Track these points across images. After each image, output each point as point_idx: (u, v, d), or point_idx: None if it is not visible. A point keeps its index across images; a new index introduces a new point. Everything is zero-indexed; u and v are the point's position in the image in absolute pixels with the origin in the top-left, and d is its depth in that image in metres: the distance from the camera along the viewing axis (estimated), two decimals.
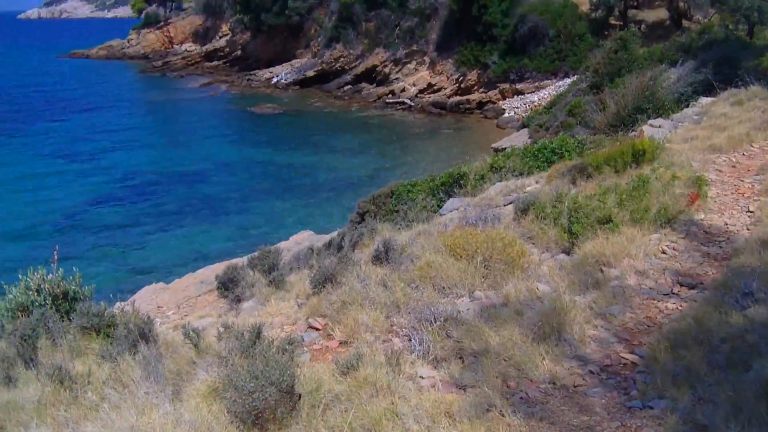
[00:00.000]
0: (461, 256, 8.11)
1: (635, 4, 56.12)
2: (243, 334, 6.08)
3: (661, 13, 54.11)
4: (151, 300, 15.24)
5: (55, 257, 8.96)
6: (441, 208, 13.75)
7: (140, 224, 31.57)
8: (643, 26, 50.66)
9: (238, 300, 11.24)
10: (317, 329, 7.20)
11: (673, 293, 6.98)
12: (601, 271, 7.54)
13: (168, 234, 30.20)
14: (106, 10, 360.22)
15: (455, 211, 12.34)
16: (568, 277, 7.48)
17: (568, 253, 8.41)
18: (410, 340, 6.41)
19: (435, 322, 6.64)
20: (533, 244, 9.02)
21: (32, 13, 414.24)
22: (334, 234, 15.56)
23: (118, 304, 10.61)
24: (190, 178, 39.36)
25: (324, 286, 8.16)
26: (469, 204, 12.50)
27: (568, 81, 48.36)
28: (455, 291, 7.56)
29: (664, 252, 8.03)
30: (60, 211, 33.56)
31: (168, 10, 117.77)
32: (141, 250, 28.27)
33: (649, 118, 18.45)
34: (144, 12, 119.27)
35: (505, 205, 11.56)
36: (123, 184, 38.55)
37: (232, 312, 10.85)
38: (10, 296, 8.24)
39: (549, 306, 6.45)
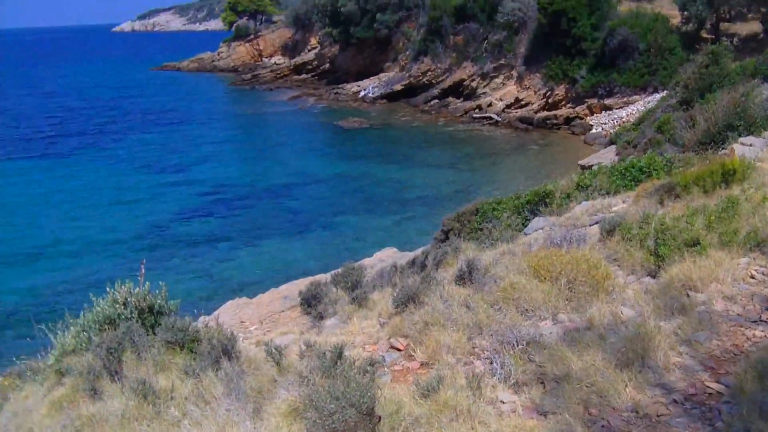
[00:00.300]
0: (545, 278, 8.05)
1: (727, 17, 54.93)
2: (325, 353, 6.15)
3: (754, 27, 52.81)
4: (235, 314, 15.45)
5: (142, 271, 9.15)
6: (526, 226, 13.65)
7: (226, 238, 32.08)
8: (735, 40, 49.61)
9: (321, 317, 11.34)
10: (399, 350, 7.24)
11: (762, 320, 6.80)
12: (688, 295, 7.40)
13: (253, 248, 30.61)
14: (197, 24, 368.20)
15: (540, 231, 12.25)
16: (654, 302, 7.36)
17: (653, 276, 8.28)
18: (492, 363, 6.40)
19: (517, 345, 6.62)
20: (618, 266, 8.89)
21: (126, 26, 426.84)
22: (418, 252, 15.58)
23: (202, 318, 10.83)
24: (277, 192, 39.86)
25: (406, 306, 8.18)
26: (554, 223, 12.40)
27: (657, 96, 47.49)
28: (538, 313, 7.51)
29: (753, 277, 7.82)
30: (148, 224, 34.38)
31: (258, 24, 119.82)
32: (226, 264, 28.71)
33: (740, 135, 18.00)
34: (234, 25, 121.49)
35: (590, 225, 11.42)
36: (211, 197, 39.27)
37: (315, 329, 10.94)
38: (98, 309, 8.42)
39: (633, 331, 6.37)
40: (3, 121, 67.80)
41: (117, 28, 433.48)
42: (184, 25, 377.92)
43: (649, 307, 7.22)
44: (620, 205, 12.57)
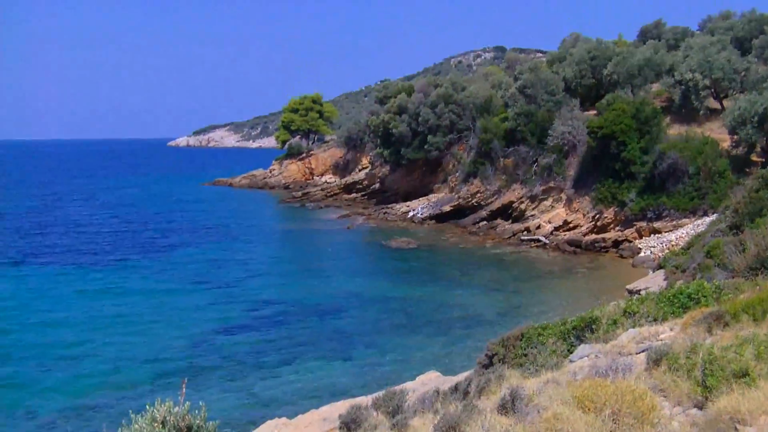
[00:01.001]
0: (589, 409, 7.89)
1: None
2: None
3: None
4: None
5: (183, 390, 9.10)
6: (571, 353, 13.46)
7: (267, 355, 31.96)
8: None
9: None
10: None
11: None
12: (736, 429, 7.20)
13: (294, 366, 30.41)
14: (251, 141, 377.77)
15: (586, 358, 12.08)
16: None
17: (701, 408, 8.08)
18: None
19: None
20: (665, 396, 8.71)
21: (181, 140, 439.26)
22: (461, 377, 15.40)
23: None
24: (322, 311, 39.87)
25: None
26: (600, 351, 12.23)
27: (707, 220, 47.21)
28: None
29: None
30: (191, 338, 34.43)
31: (310, 142, 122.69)
32: (266, 382, 28.51)
33: None
34: (287, 143, 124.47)
35: (637, 353, 11.25)
36: (254, 313, 39.33)
37: None
38: (136, 427, 8.35)
39: None
40: (57, 230, 69.23)
41: (173, 143, 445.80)
42: (238, 141, 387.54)
43: None
44: (668, 332, 12.39)
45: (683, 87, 61.37)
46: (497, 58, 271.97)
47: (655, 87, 67.16)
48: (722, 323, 11.06)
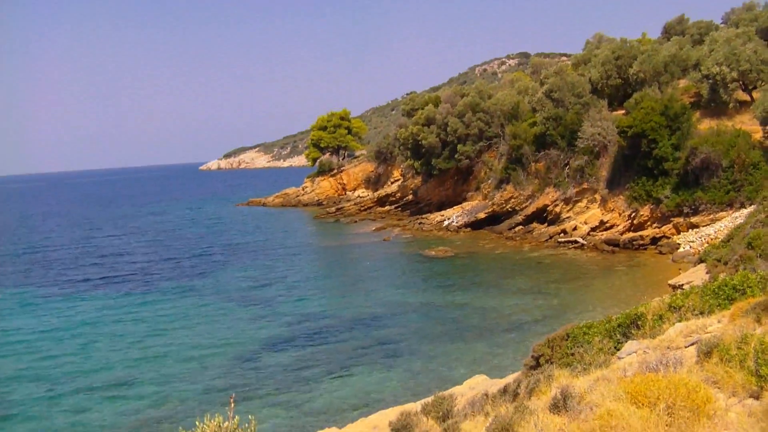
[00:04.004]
0: (643, 404, 7.85)
1: None
2: None
3: None
4: None
5: (232, 405, 9.19)
6: (618, 350, 13.38)
7: (312, 367, 32.09)
8: None
9: None
10: None
11: None
12: None
13: (341, 378, 30.52)
14: (281, 160, 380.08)
15: (634, 355, 12.00)
16: (759, 425, 7.11)
17: (756, 398, 8.00)
18: None
19: None
20: (718, 388, 8.63)
21: (212, 164, 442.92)
22: (509, 379, 15.36)
23: None
24: (363, 322, 39.93)
25: None
26: (647, 347, 12.14)
27: (745, 212, 46.80)
28: None
29: None
30: (236, 355, 34.71)
31: (341, 158, 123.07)
32: (314, 394, 28.63)
33: None
34: (318, 161, 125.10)
35: (686, 347, 11.16)
36: (297, 327, 39.53)
37: None
38: None
39: None
40: (100, 259, 69.89)
41: (204, 167, 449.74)
42: (269, 162, 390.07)
43: (754, 430, 6.96)
44: (715, 325, 12.27)
45: (711, 81, 60.82)
46: (522, 64, 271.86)
47: (683, 83, 66.63)
48: None
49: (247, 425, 8.87)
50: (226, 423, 8.73)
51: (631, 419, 7.58)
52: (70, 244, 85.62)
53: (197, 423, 8.61)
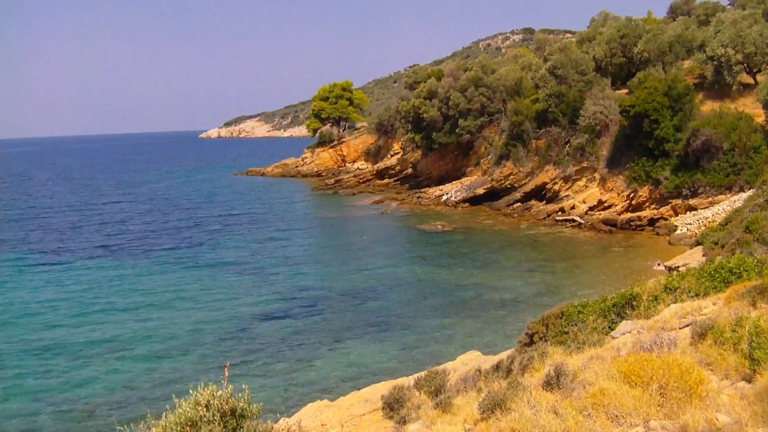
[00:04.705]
0: (636, 383, 7.86)
1: None
2: None
3: None
4: (315, 417, 15.38)
5: (226, 373, 9.16)
6: (612, 330, 13.41)
7: (306, 339, 32.17)
8: None
9: (404, 421, 11.22)
10: None
11: None
12: None
13: (334, 350, 30.62)
14: (282, 130, 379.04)
15: (628, 334, 12.02)
16: (750, 408, 7.11)
17: (749, 381, 8.01)
18: None
19: None
20: (711, 370, 8.64)
21: (212, 132, 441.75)
22: (503, 356, 15.39)
23: (283, 420, 10.81)
24: (359, 295, 39.99)
25: (493, 412, 8.06)
26: (642, 327, 12.16)
27: (744, 195, 46.75)
28: (629, 420, 7.31)
29: None
30: (231, 325, 34.80)
31: (341, 130, 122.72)
32: (307, 365, 28.71)
33: None
34: (318, 131, 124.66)
35: (681, 328, 11.17)
36: (293, 299, 39.59)
37: None
38: (180, 411, 8.41)
39: None
40: (99, 226, 69.90)
41: (204, 135, 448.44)
42: (269, 131, 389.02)
43: (746, 413, 6.97)
44: (711, 307, 12.29)
45: (715, 63, 60.60)
46: (526, 40, 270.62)
47: (687, 64, 66.36)
48: (766, 297, 10.94)
49: (240, 394, 8.85)
50: (220, 392, 8.71)
51: (624, 398, 7.59)
52: (68, 210, 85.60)
53: (191, 391, 8.59)
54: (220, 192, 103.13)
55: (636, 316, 13.91)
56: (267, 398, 23.46)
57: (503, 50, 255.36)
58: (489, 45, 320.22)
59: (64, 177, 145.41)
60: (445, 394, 11.22)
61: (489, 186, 72.02)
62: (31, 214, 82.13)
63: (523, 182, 68.33)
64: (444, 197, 77.28)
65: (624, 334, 12.28)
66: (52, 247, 57.91)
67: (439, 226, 60.95)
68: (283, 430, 8.23)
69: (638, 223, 54.72)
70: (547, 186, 65.40)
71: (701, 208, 50.99)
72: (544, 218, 62.04)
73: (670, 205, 53.62)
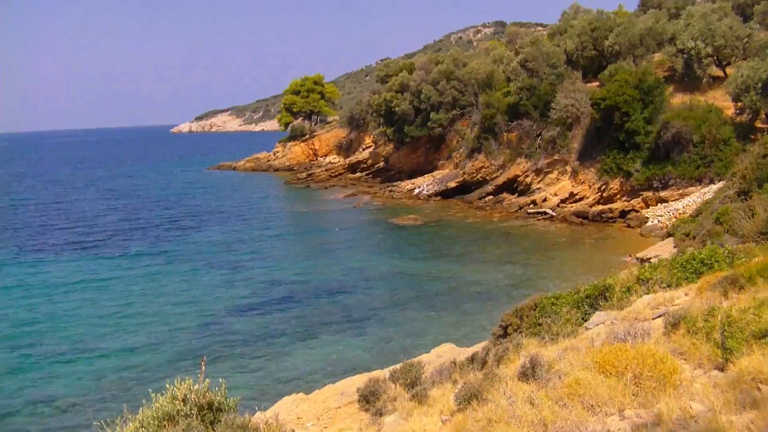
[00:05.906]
0: (610, 373, 7.93)
1: None
2: None
3: None
4: (291, 410, 15.40)
5: (203, 368, 9.15)
6: (586, 321, 13.51)
7: (282, 334, 32.18)
8: None
9: (380, 413, 11.24)
10: None
11: None
12: (758, 389, 7.22)
13: (309, 344, 30.63)
14: (253, 124, 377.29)
15: (602, 325, 12.12)
16: (723, 396, 7.19)
17: (722, 370, 8.10)
18: None
19: None
20: (685, 359, 8.73)
21: (184, 127, 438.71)
22: (478, 348, 15.46)
23: (259, 414, 10.81)
24: (332, 289, 39.99)
25: (469, 403, 8.10)
26: (615, 318, 12.27)
27: (714, 187, 47.18)
28: (604, 409, 7.37)
29: None
30: (205, 320, 34.74)
31: (313, 124, 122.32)
32: (282, 359, 28.73)
33: None
34: (290, 125, 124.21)
35: (654, 319, 11.27)
36: (266, 294, 39.55)
37: (374, 426, 10.85)
38: (157, 405, 8.40)
39: (704, 426, 6.22)
40: (68, 222, 69.36)
41: (175, 129, 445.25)
42: (241, 125, 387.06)
43: (719, 401, 7.05)
44: (683, 297, 12.42)
45: (685, 56, 61.04)
46: (498, 33, 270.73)
47: (657, 56, 66.77)
48: (737, 287, 11.08)
49: (217, 389, 8.84)
50: (197, 386, 8.70)
51: (599, 388, 7.65)
52: (40, 205, 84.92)
53: (167, 386, 8.57)
54: (191, 187, 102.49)
55: (609, 307, 14.03)
56: (243, 392, 23.46)
57: (475, 43, 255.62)
58: (461, 38, 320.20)
59: (35, 174, 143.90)
60: (420, 386, 11.26)
61: (461, 179, 72.22)
62: (1, 210, 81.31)
63: (494, 175, 68.54)
64: (416, 191, 77.38)
65: (598, 325, 12.38)
66: (20, 245, 57.34)
67: (412, 220, 61.01)
68: (260, 423, 8.22)
69: (610, 215, 55.05)
70: (519, 179, 65.64)
71: (672, 200, 51.41)
72: (516, 211, 62.23)
73: (641, 197, 54.00)
